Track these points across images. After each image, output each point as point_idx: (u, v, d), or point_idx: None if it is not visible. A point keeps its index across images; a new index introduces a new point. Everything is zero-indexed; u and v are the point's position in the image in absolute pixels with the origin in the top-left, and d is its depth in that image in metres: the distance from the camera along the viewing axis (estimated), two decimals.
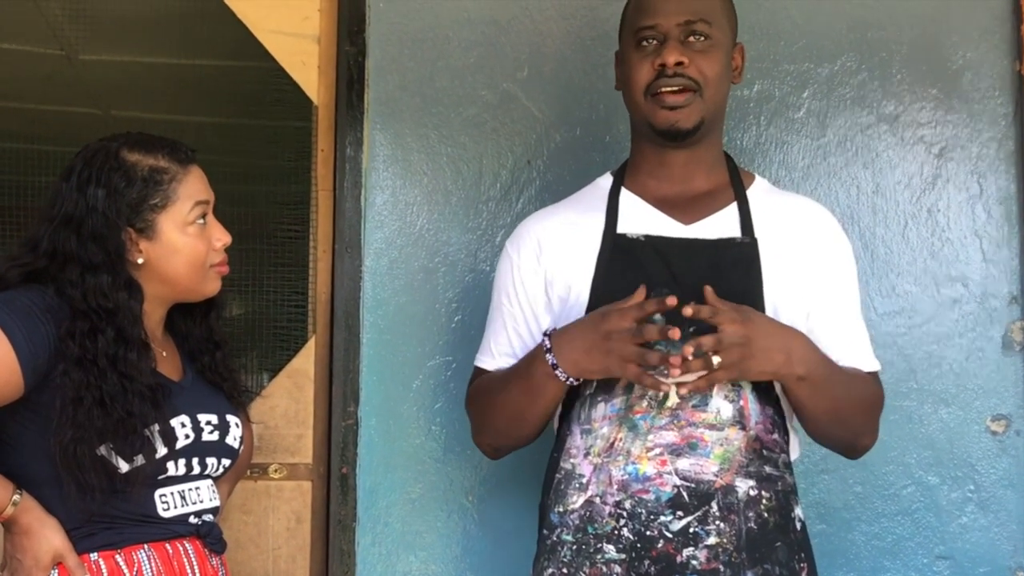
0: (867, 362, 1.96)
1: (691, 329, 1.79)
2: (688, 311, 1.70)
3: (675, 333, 1.70)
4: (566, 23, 2.60)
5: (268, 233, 2.75)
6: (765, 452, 1.83)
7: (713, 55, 1.92)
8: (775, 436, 1.85)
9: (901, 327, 2.53)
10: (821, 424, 1.89)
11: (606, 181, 2.05)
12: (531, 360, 1.87)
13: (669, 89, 1.89)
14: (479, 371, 2.08)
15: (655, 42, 1.92)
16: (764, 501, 1.81)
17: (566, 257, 1.96)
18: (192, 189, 1.95)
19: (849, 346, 1.94)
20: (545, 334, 1.84)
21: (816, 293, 1.92)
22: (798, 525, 1.86)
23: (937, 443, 2.52)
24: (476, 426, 2.07)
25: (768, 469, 1.83)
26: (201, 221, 1.96)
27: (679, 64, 1.88)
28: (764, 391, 1.85)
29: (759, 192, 2.00)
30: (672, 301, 1.72)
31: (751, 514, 1.80)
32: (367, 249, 2.54)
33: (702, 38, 1.91)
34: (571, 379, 1.82)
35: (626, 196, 1.99)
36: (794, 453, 1.96)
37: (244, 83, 2.99)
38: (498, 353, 2.04)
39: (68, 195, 1.90)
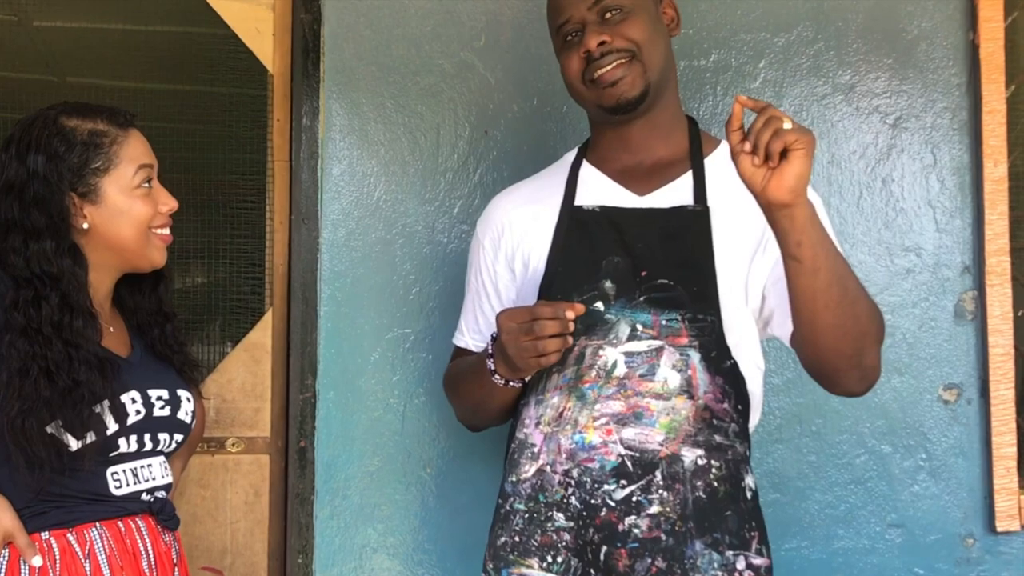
0: None
1: (641, 298, 1.82)
2: (743, 100, 1.63)
3: (579, 308, 1.73)
4: None
5: (224, 203, 2.72)
6: (715, 421, 1.84)
7: (634, 20, 1.92)
8: (725, 405, 1.85)
9: None
10: (829, 314, 1.72)
11: (569, 155, 2.07)
12: (481, 359, 1.89)
13: (603, 70, 1.90)
14: (456, 349, 2.14)
15: (577, 34, 1.94)
16: (713, 470, 1.82)
17: (526, 231, 1.98)
18: (134, 152, 1.94)
19: None
20: (492, 337, 1.85)
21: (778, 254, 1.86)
22: (748, 494, 1.86)
23: (890, 412, 2.55)
24: (452, 406, 2.14)
25: (718, 438, 1.84)
26: (147, 185, 1.94)
27: (602, 44, 1.90)
28: (715, 360, 1.85)
29: (721, 158, 1.98)
30: (580, 308, 1.74)
31: (699, 483, 1.81)
32: (324, 220, 2.52)
33: (617, 11, 1.92)
34: (509, 382, 1.85)
35: (587, 169, 2.00)
36: (755, 417, 1.95)
37: (198, 50, 2.95)
38: (467, 331, 2.10)
39: (8, 164, 1.88)
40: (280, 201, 2.59)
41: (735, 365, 1.86)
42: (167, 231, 1.99)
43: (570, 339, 1.75)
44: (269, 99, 2.62)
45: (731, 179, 1.92)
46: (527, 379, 1.87)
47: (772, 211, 1.64)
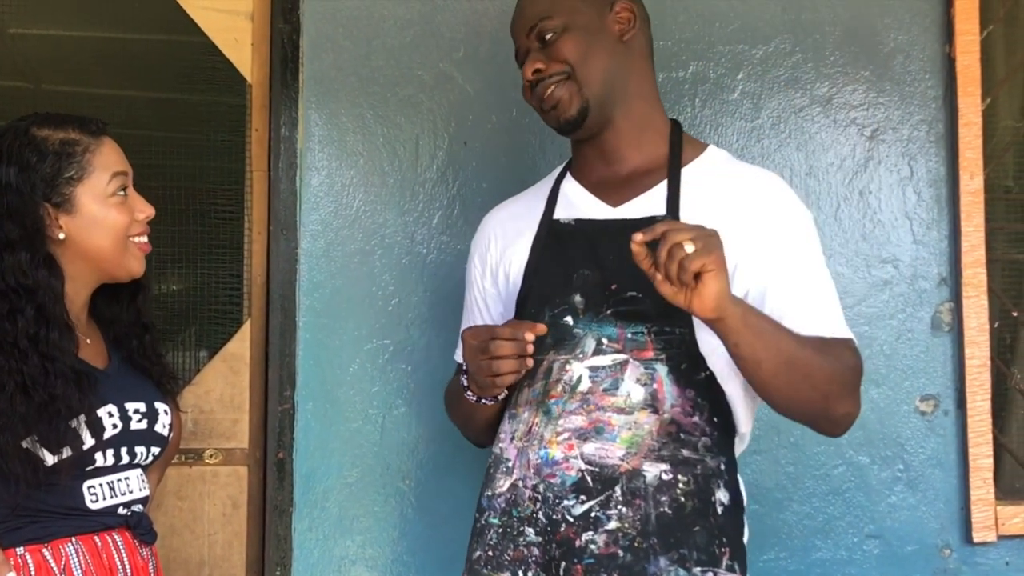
0: (831, 329, 1.85)
1: (608, 311, 1.82)
2: (638, 239, 1.65)
3: (540, 329, 1.78)
4: (502, 2, 2.58)
5: (202, 213, 2.71)
6: (683, 435, 1.80)
7: (566, 39, 1.93)
8: (696, 419, 1.82)
9: None
10: (780, 392, 1.77)
11: (556, 170, 2.08)
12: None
13: (545, 95, 1.94)
14: (458, 366, 2.11)
15: (524, 59, 1.99)
16: (680, 485, 1.79)
17: (508, 246, 2.00)
18: (107, 160, 1.93)
19: (804, 313, 1.83)
20: None
21: (755, 266, 1.85)
22: (719, 509, 1.81)
23: (868, 423, 2.55)
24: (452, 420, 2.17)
25: (685, 452, 1.81)
26: (122, 193, 1.94)
27: (536, 72, 1.94)
28: (686, 373, 1.82)
29: (705, 165, 1.95)
30: (541, 328, 1.78)
31: (664, 498, 1.78)
32: (303, 231, 2.51)
33: (551, 34, 1.94)
34: (481, 399, 1.89)
35: (568, 183, 2.01)
36: (745, 425, 1.91)
37: (176, 59, 2.94)
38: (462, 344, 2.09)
39: None
40: (259, 211, 2.59)
41: (711, 376, 1.83)
42: (145, 239, 1.98)
43: (529, 361, 1.79)
44: (248, 109, 2.61)
45: (711, 187, 1.91)
46: (499, 397, 1.89)
47: (704, 322, 1.70)
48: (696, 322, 1.81)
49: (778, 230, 1.88)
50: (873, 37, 2.63)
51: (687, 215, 1.86)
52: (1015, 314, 2.79)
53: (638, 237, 1.64)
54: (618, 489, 1.79)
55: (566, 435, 1.82)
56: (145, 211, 1.98)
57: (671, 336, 1.82)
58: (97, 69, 3.14)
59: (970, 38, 2.62)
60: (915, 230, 2.60)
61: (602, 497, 1.79)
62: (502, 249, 2.01)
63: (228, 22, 2.59)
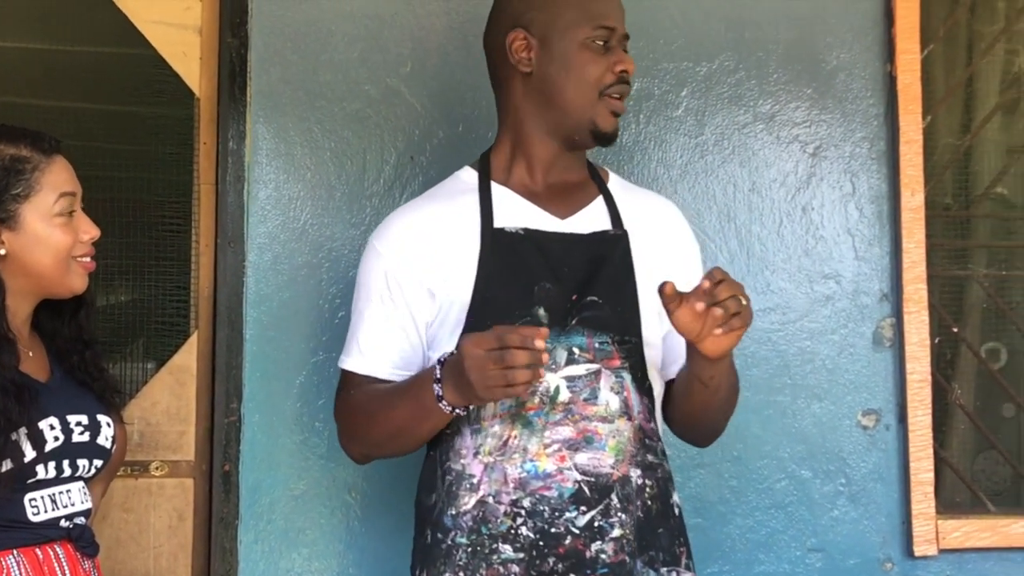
0: None
1: (574, 321, 1.85)
2: (706, 283, 1.67)
3: (544, 332, 1.66)
4: (448, 18, 2.60)
5: (149, 225, 2.71)
6: (647, 441, 1.88)
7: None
8: (652, 425, 1.90)
9: (775, 323, 2.59)
10: (716, 407, 1.93)
11: (468, 175, 2.03)
12: (421, 384, 1.81)
13: (620, 95, 1.96)
14: (347, 374, 2.01)
15: (603, 43, 1.94)
16: (648, 489, 1.86)
17: (442, 252, 1.93)
18: (57, 180, 1.92)
19: None
20: (439, 361, 1.78)
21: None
22: (676, 511, 1.91)
23: (810, 437, 2.59)
24: (348, 435, 2.02)
25: (651, 458, 1.88)
26: (68, 214, 1.93)
27: (626, 72, 1.97)
28: (640, 381, 1.89)
29: (616, 187, 2.05)
30: (545, 332, 1.67)
31: (639, 503, 1.85)
32: (250, 244, 2.51)
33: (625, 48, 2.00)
34: (456, 410, 1.78)
35: (497, 190, 1.98)
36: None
37: (124, 72, 2.93)
38: (368, 351, 1.96)
39: None
40: (206, 224, 2.58)
41: (651, 386, 1.92)
42: (88, 259, 1.97)
43: (542, 372, 1.69)
44: (195, 122, 2.61)
45: (631, 207, 2.01)
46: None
47: (701, 355, 1.76)
48: (644, 335, 1.89)
49: (692, 254, 2.06)
50: (816, 55, 2.68)
51: (627, 228, 1.96)
52: (955, 330, 2.84)
53: (705, 285, 1.67)
54: (614, 496, 1.83)
55: (555, 446, 1.83)
56: (90, 232, 1.97)
57: (630, 345, 1.88)
58: (45, 81, 3.12)
59: (911, 57, 2.67)
60: (857, 246, 2.64)
61: (601, 506, 1.82)
62: (436, 255, 1.93)
63: (176, 36, 2.59)
